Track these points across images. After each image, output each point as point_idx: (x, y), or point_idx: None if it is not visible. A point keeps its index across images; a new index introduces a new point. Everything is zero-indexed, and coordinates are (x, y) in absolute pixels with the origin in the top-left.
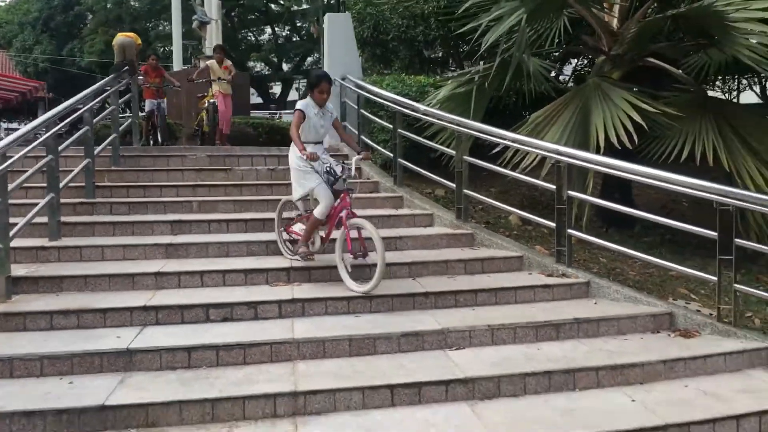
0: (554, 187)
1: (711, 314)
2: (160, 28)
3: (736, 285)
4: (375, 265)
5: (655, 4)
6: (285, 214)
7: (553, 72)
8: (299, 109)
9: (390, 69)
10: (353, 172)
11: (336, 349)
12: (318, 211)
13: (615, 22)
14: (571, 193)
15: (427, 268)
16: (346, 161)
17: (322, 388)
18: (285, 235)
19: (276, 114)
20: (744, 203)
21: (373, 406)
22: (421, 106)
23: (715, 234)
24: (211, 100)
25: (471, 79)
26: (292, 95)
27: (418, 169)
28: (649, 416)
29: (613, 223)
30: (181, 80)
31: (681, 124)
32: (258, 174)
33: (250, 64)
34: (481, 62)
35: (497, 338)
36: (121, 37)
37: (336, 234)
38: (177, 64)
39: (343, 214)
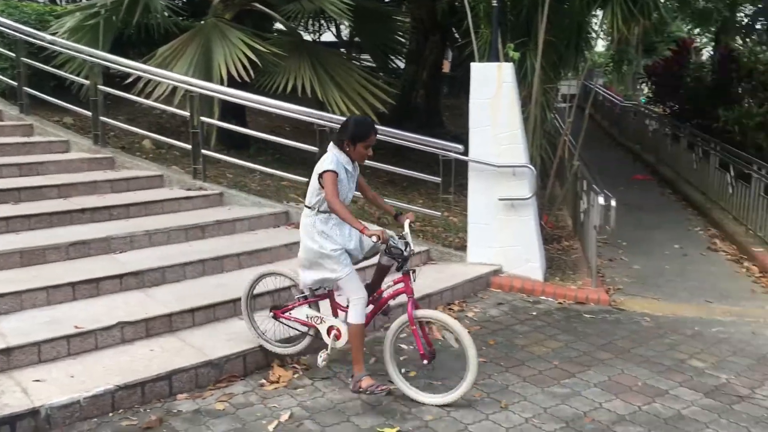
0: (187, 114)
1: None
2: None
3: None
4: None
5: None
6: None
7: (174, 8)
8: (332, 171)
9: None
10: (412, 245)
11: (8, 261)
12: (356, 316)
13: None
14: (202, 118)
15: (76, 189)
16: (397, 232)
17: (7, 291)
18: (264, 325)
19: None
20: (334, 124)
21: (58, 302)
22: (48, 36)
23: (316, 149)
24: None
25: (98, 12)
26: None
27: (48, 97)
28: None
29: (232, 146)
30: None
31: (285, 62)
32: None
33: None
34: None
35: (155, 241)
36: None
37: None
38: None
39: (408, 304)
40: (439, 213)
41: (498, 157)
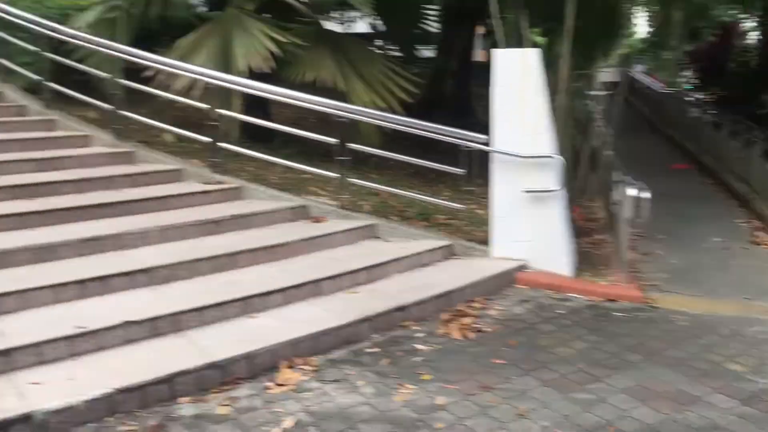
0: (206, 106)
1: (335, 204)
2: None
3: (352, 180)
4: None
5: None
6: None
7: (196, 2)
8: None
9: None
10: None
11: (18, 258)
12: None
13: None
14: (221, 111)
15: (93, 184)
16: None
17: (12, 290)
18: None
19: None
20: (355, 116)
21: (65, 300)
22: (69, 30)
23: (336, 141)
24: None
25: (118, 6)
26: None
27: (70, 92)
28: (291, 278)
29: (255, 139)
30: None
31: (307, 52)
32: None
33: None
34: None
35: (167, 237)
36: None
37: None
38: None
39: None
40: (464, 206)
41: (523, 147)
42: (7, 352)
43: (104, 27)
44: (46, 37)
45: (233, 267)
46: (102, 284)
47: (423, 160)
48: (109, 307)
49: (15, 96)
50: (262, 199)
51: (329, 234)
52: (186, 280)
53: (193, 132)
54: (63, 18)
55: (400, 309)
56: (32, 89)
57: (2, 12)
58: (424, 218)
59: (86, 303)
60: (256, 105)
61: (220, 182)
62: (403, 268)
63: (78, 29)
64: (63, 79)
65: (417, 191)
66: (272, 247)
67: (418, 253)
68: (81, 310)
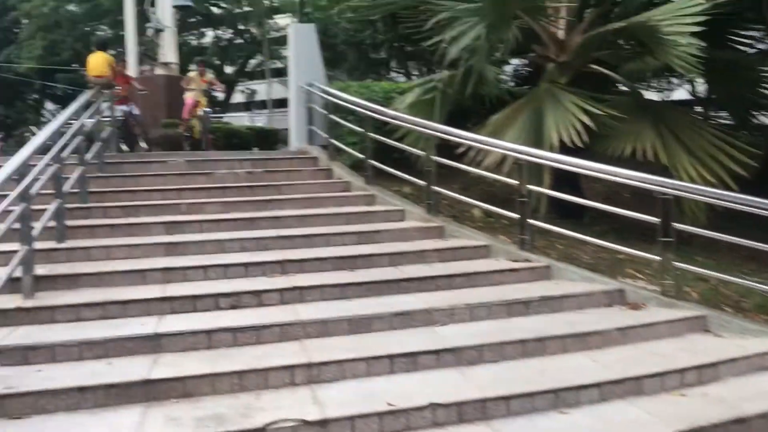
0: (515, 182)
1: (655, 290)
2: (100, 32)
3: (676, 263)
4: None
5: (598, 18)
6: None
7: (507, 78)
8: None
9: (337, 71)
10: None
11: (337, 328)
12: None
13: (561, 33)
14: (531, 187)
15: (405, 258)
16: None
17: (332, 359)
18: None
19: (221, 117)
20: (680, 192)
21: (376, 374)
22: (391, 111)
23: (657, 220)
24: (206, 109)
25: (434, 87)
26: (237, 98)
27: (388, 168)
28: (607, 373)
29: (564, 215)
30: (143, 86)
31: (623, 124)
32: (237, 177)
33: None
34: (444, 70)
35: (475, 315)
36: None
37: None
38: (131, 70)
39: None
40: None
41: None
42: (324, 423)
43: (422, 107)
44: (370, 119)
45: (541, 353)
46: (410, 361)
47: (764, 242)
48: (416, 385)
49: (341, 173)
50: (572, 281)
51: (650, 324)
52: (492, 363)
53: (501, 207)
54: (386, 101)
55: (740, 421)
56: (356, 166)
57: (336, 98)
58: (766, 311)
59: (395, 378)
60: (565, 180)
61: (527, 260)
62: (741, 371)
63: (398, 110)
64: (382, 157)
65: (757, 279)
66: (585, 334)
67: (761, 354)
68: (390, 385)
